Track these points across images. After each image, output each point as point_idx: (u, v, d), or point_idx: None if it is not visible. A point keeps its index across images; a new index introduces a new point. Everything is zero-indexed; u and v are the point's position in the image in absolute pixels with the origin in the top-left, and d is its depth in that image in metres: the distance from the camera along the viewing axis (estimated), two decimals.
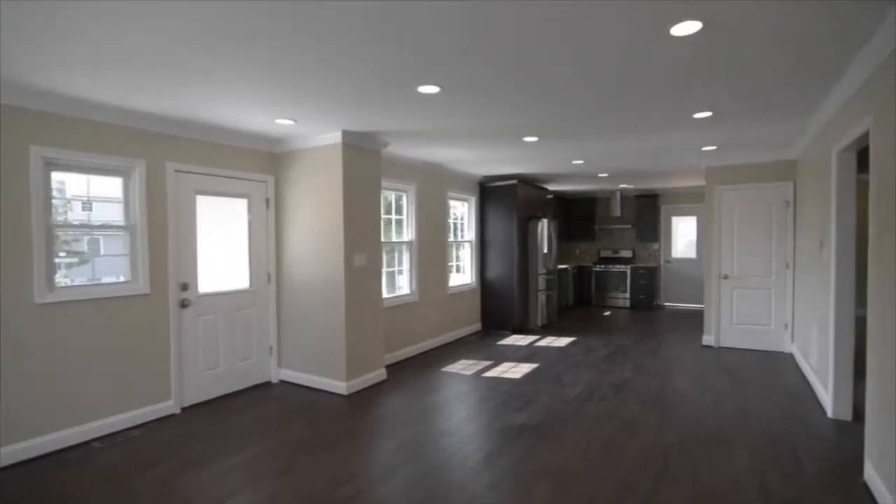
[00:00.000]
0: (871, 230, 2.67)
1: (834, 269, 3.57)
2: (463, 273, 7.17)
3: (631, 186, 9.05)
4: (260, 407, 4.10)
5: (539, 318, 7.43)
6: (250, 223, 4.59)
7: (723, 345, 6.07)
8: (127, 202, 3.71)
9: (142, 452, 3.23)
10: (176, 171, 3.94)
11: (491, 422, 3.72)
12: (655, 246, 9.80)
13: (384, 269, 5.54)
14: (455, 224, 6.98)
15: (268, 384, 4.72)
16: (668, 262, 9.73)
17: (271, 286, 4.76)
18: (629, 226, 9.81)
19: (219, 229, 4.36)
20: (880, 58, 2.48)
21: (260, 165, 4.64)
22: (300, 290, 4.64)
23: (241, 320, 4.50)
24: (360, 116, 3.79)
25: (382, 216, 5.39)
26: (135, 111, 3.52)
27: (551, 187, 8.92)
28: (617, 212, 9.94)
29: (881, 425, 2.52)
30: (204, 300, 4.18)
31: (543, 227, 7.55)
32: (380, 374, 4.77)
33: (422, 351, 5.98)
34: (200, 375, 4.17)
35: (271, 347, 4.78)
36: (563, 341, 6.53)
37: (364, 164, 4.55)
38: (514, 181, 6.99)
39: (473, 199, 7.19)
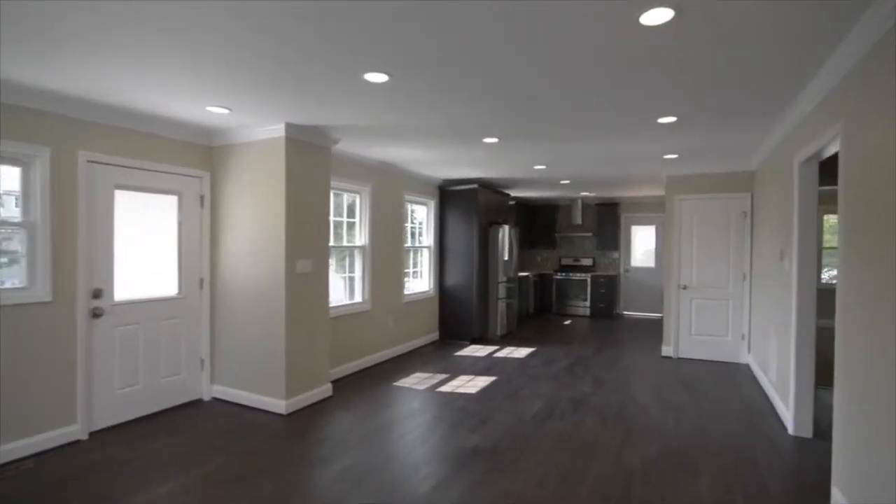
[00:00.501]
0: (841, 238, 2.55)
1: (796, 279, 3.48)
2: (420, 280, 6.86)
3: (592, 194, 9.02)
4: (185, 429, 3.64)
5: (499, 328, 7.20)
6: (181, 223, 4.12)
7: (681, 355, 6.01)
8: (26, 196, 3.21)
9: (29, 491, 2.73)
10: (90, 161, 3.46)
11: (444, 444, 3.41)
12: (615, 254, 9.80)
13: (337, 275, 5.16)
14: (413, 229, 6.67)
15: (198, 402, 4.24)
16: (627, 270, 9.75)
17: (204, 293, 4.30)
18: (590, 234, 9.79)
19: (143, 229, 3.88)
20: (853, 61, 2.36)
21: (193, 159, 4.19)
22: (237, 298, 4.21)
23: (167, 331, 4.02)
24: (303, 107, 3.44)
25: (333, 218, 5.03)
26: (35, 89, 3.03)
27: (513, 193, 8.76)
28: (578, 220, 9.90)
29: (850, 446, 2.38)
30: (121, 309, 3.69)
31: (504, 233, 7.35)
32: (325, 389, 4.38)
33: (374, 363, 5.61)
34: (114, 394, 3.66)
35: (203, 361, 4.31)
36: (522, 352, 6.32)
37: (311, 161, 4.18)
38: (475, 185, 6.76)
39: (433, 203, 6.91)
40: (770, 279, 4.52)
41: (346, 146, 4.76)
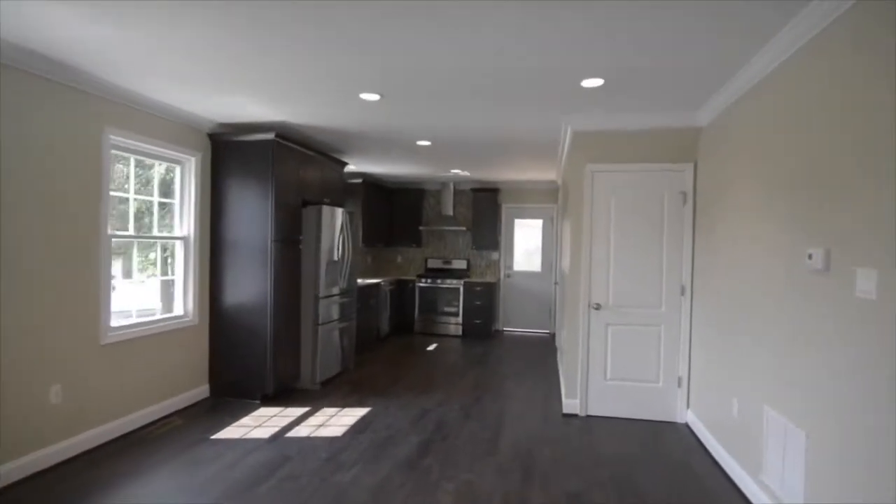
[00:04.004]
0: None
1: None
2: (168, 297, 3.89)
3: (466, 174, 6.75)
4: None
5: (319, 371, 4.50)
6: None
7: (592, 412, 3.90)
8: None
9: None
10: None
11: None
12: (495, 255, 7.70)
13: None
14: (143, 206, 3.68)
15: None
16: (508, 275, 7.71)
17: None
18: (464, 228, 7.54)
19: None
20: None
21: None
22: None
23: None
24: None
25: None
26: None
27: (356, 165, 6.13)
28: (449, 209, 7.61)
29: None
30: None
31: (335, 219, 4.70)
32: None
33: None
34: None
35: None
36: (344, 419, 3.70)
37: None
38: (271, 135, 3.98)
39: (195, 163, 3.96)
40: (737, 297, 2.50)
41: None
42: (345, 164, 5.31)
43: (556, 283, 7.04)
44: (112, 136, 3.18)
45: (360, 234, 6.60)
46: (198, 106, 3.60)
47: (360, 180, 6.63)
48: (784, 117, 2.35)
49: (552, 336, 7.26)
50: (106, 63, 2.77)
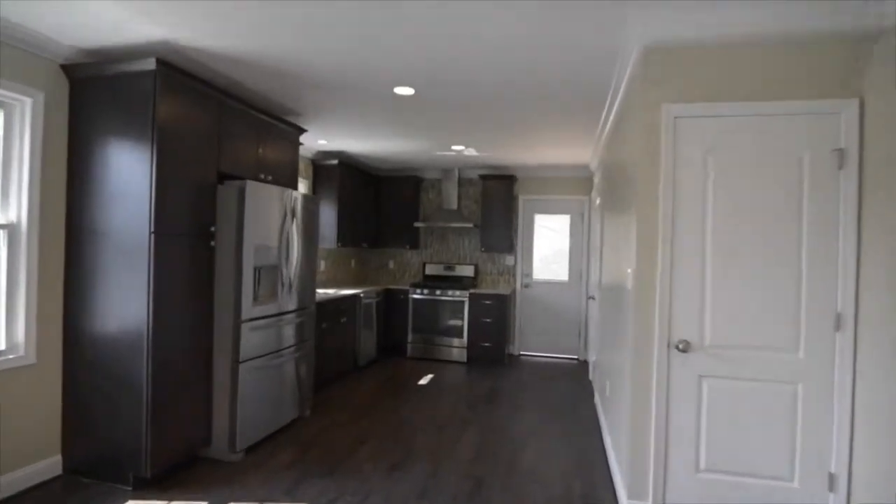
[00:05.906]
0: None
1: None
2: None
3: (472, 152, 5.20)
4: None
5: (238, 432, 2.97)
6: None
7: None
8: None
9: None
10: None
11: None
12: (510, 260, 6.14)
13: None
14: None
15: None
16: (526, 285, 6.14)
17: None
18: (471, 225, 5.99)
19: None
20: None
21: None
22: None
23: None
24: None
25: None
26: None
27: (327, 139, 4.63)
28: (452, 202, 6.09)
29: None
30: None
31: (283, 204, 3.22)
32: None
33: None
34: None
35: None
36: None
37: None
38: (151, 63, 2.50)
39: (30, 107, 2.48)
40: None
41: None
42: (301, 129, 3.82)
43: (589, 298, 5.45)
44: None
45: (336, 230, 5.13)
46: (32, 14, 2.16)
47: (335, 161, 5.15)
48: None
49: (583, 364, 5.68)
50: None
